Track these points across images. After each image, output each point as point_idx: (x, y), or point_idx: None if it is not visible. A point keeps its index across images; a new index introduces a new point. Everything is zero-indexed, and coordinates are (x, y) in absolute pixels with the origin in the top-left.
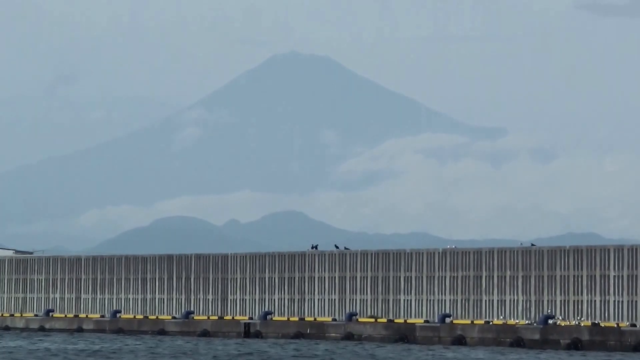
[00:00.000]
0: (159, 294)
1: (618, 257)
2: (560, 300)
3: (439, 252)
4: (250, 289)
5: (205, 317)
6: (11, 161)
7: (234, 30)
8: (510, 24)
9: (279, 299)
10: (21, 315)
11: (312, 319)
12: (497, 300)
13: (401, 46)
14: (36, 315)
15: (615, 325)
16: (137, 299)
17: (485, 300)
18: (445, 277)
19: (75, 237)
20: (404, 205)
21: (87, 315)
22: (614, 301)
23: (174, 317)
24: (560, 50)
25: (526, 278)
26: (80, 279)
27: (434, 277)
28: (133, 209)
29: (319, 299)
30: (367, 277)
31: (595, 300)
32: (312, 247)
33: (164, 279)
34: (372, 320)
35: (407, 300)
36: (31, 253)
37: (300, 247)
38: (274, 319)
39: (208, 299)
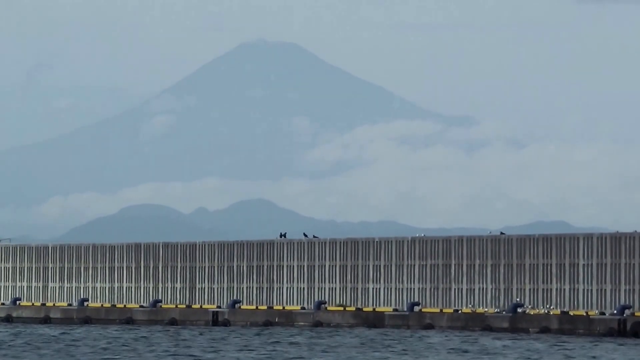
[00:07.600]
0: (126, 282)
1: (587, 246)
2: (530, 289)
3: (407, 241)
4: (218, 278)
5: (173, 306)
6: None
7: (201, 18)
8: (484, 11)
9: (247, 288)
10: None
11: (280, 307)
12: (466, 289)
13: (372, 34)
14: (3, 304)
15: (585, 314)
16: (105, 288)
17: (454, 289)
18: (414, 265)
19: (42, 226)
20: (373, 193)
21: (54, 304)
22: (583, 290)
23: (141, 306)
24: (534, 38)
25: (495, 266)
26: (48, 268)
27: (402, 265)
28: (100, 197)
29: (287, 288)
30: (335, 266)
31: (564, 289)
32: (281, 236)
33: (131, 267)
34: (341, 308)
35: (376, 288)
36: None
37: (269, 236)
38: (242, 307)
39: (176, 288)
